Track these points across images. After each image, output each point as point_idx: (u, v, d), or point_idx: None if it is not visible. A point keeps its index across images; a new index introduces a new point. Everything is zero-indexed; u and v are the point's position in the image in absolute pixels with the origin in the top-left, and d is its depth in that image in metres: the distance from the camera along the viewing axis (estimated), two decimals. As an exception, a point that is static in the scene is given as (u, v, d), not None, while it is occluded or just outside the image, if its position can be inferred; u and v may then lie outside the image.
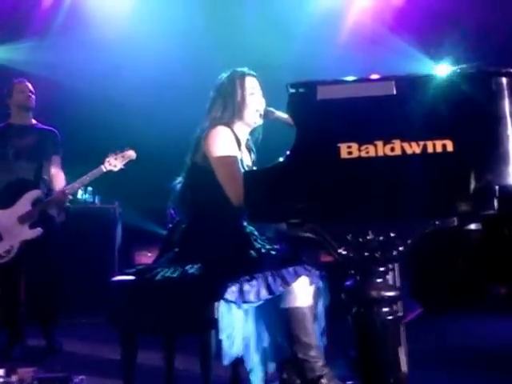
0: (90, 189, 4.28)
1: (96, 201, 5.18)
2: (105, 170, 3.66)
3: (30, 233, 3.70)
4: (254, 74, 2.52)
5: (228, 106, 2.42)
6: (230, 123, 2.42)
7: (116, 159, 3.65)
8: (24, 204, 3.73)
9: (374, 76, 1.86)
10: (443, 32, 5.91)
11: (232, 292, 2.12)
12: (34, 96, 3.97)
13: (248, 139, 2.56)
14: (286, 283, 2.14)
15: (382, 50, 5.77)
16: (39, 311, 3.97)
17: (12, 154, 3.85)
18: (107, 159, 3.65)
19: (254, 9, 5.86)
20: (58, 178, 3.92)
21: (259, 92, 2.50)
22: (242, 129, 2.48)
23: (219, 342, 2.16)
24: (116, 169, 3.66)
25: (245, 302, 2.13)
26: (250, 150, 2.58)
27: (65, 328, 4.18)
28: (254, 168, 2.53)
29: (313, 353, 2.16)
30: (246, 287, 2.12)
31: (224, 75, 2.51)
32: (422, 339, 3.57)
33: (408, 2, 6.17)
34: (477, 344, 3.95)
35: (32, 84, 4.05)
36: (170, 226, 5.27)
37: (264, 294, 2.13)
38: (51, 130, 4.05)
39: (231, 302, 2.13)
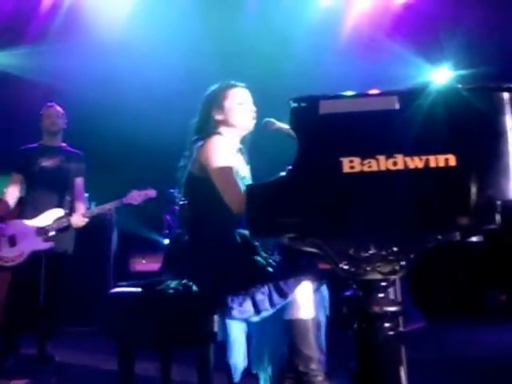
0: (85, 195, 4.29)
1: (92, 207, 5.17)
2: (125, 202, 4.04)
3: (42, 244, 3.97)
4: (243, 85, 2.54)
5: (218, 116, 2.44)
6: (222, 133, 2.42)
7: (138, 195, 4.04)
8: (46, 219, 4.01)
9: (374, 91, 1.85)
10: (442, 37, 5.91)
11: (245, 308, 2.09)
12: (61, 119, 4.26)
13: (241, 147, 2.55)
14: (298, 281, 2.12)
15: (381, 55, 5.77)
16: (38, 323, 4.06)
17: (37, 172, 4.12)
18: (130, 194, 4.04)
19: (253, 15, 5.86)
20: (79, 200, 4.20)
21: (249, 101, 2.52)
22: (234, 137, 2.48)
23: (217, 353, 2.14)
24: (135, 203, 4.04)
25: (259, 312, 2.10)
26: (244, 157, 2.57)
27: (59, 337, 4.15)
28: (248, 179, 2.53)
29: (313, 366, 2.13)
30: (259, 297, 2.10)
31: (210, 89, 2.52)
32: (423, 349, 3.55)
33: (406, 8, 6.18)
34: (477, 353, 3.95)
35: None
36: (166, 232, 5.32)
37: (276, 298, 2.10)
38: (77, 152, 4.32)
39: (246, 319, 2.11)
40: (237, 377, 2.15)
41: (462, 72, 6.08)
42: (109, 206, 4.09)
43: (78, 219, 3.99)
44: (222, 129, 2.44)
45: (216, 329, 2.12)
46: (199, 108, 2.51)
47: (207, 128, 2.42)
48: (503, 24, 5.90)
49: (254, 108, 2.51)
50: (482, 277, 5.63)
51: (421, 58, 6.15)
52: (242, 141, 2.56)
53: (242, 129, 2.49)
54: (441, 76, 6.45)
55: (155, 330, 2.20)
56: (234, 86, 2.50)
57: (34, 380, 2.92)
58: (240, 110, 2.46)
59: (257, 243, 2.33)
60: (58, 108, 4.27)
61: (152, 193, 4.09)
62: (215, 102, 2.46)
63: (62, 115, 4.28)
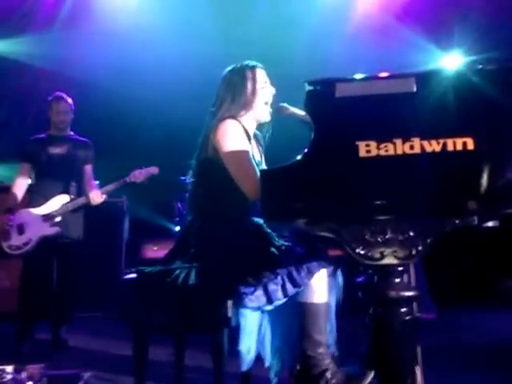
0: (97, 183, 4.29)
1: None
2: (128, 181, 4.07)
3: (48, 230, 4.03)
4: (263, 66, 2.47)
5: (237, 98, 2.37)
6: (239, 116, 2.37)
7: (140, 174, 4.06)
8: (51, 205, 4.06)
9: (384, 74, 1.82)
10: (453, 22, 5.85)
11: (257, 297, 2.06)
12: (70, 115, 4.26)
13: (256, 133, 2.52)
14: (311, 274, 2.08)
15: (392, 40, 5.72)
16: (52, 309, 4.11)
17: (45, 160, 4.15)
18: (132, 173, 4.06)
19: (263, 3, 5.81)
20: (89, 187, 4.21)
21: (269, 84, 2.46)
22: (251, 122, 2.43)
23: (231, 339, 2.14)
24: (138, 181, 4.08)
25: (272, 302, 2.07)
26: (258, 143, 2.54)
27: (73, 322, 4.20)
28: (263, 162, 2.51)
29: (321, 350, 2.12)
30: (272, 286, 2.06)
31: (232, 67, 2.45)
32: (435, 335, 3.55)
33: (417, -7, 6.11)
34: (488, 339, 3.94)
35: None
36: (178, 219, 5.33)
37: (290, 288, 2.07)
38: (85, 140, 4.34)
39: (258, 308, 2.08)
40: (246, 364, 2.12)
41: (474, 57, 6.01)
42: (114, 186, 4.11)
43: (97, 195, 4.03)
44: (241, 111, 2.38)
45: (230, 314, 2.11)
46: (218, 89, 2.43)
47: (226, 110, 2.35)
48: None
49: (273, 90, 2.45)
50: (491, 262, 5.61)
51: (432, 43, 6.09)
52: (260, 129, 2.52)
53: (258, 117, 2.43)
54: (452, 62, 6.39)
55: (169, 316, 2.20)
56: (255, 66, 2.44)
57: (49, 365, 2.94)
58: (260, 93, 2.41)
59: (270, 231, 2.29)
60: (68, 102, 4.24)
61: (154, 170, 4.11)
62: (237, 83, 2.39)
63: (71, 108, 4.26)
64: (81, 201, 4.06)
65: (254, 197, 2.09)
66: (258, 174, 2.10)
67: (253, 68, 2.43)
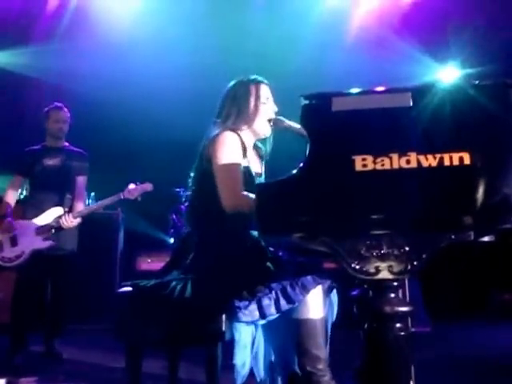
0: (92, 194, 4.29)
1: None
2: (122, 197, 4.02)
3: (41, 243, 3.99)
4: (267, 82, 2.48)
5: (240, 113, 2.37)
6: (239, 129, 2.37)
7: (135, 190, 4.03)
8: (45, 218, 4.03)
9: (381, 88, 1.82)
10: (449, 35, 5.89)
11: (251, 311, 2.04)
12: (67, 124, 4.25)
13: (258, 146, 2.51)
14: (306, 290, 2.08)
15: (389, 53, 5.74)
16: (45, 322, 4.11)
17: (39, 172, 4.14)
18: (127, 189, 4.02)
19: (260, 14, 5.84)
20: (78, 199, 4.21)
21: (272, 101, 2.47)
22: (250, 136, 2.43)
23: (225, 353, 2.12)
24: (133, 197, 4.02)
25: (265, 317, 2.06)
26: (260, 156, 2.53)
27: (67, 334, 4.18)
28: (262, 176, 2.50)
29: (320, 366, 2.11)
30: (266, 301, 2.05)
31: (236, 81, 2.45)
32: (430, 348, 3.55)
33: (414, 5, 6.15)
34: (483, 352, 3.94)
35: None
36: (172, 231, 5.32)
37: (284, 304, 2.06)
38: (80, 151, 4.33)
39: (252, 322, 2.07)
40: (240, 379, 2.11)
41: (470, 70, 6.04)
42: (107, 202, 4.08)
43: (68, 220, 3.96)
44: (243, 126, 2.38)
45: (224, 328, 2.10)
46: (222, 101, 2.43)
47: (232, 123, 2.35)
48: (510, 22, 5.86)
49: (275, 108, 2.45)
50: (485, 276, 5.61)
51: (428, 56, 6.12)
52: (260, 142, 2.51)
53: (258, 133, 2.44)
54: (448, 74, 6.42)
55: (163, 329, 2.18)
56: (260, 82, 2.44)
57: (43, 377, 2.92)
58: (262, 110, 2.41)
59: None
60: (66, 111, 4.25)
61: (148, 186, 4.08)
62: (241, 97, 2.39)
63: (69, 118, 4.27)
64: (58, 223, 3.98)
65: (229, 209, 2.14)
66: (243, 189, 2.14)
67: (258, 83, 2.43)
